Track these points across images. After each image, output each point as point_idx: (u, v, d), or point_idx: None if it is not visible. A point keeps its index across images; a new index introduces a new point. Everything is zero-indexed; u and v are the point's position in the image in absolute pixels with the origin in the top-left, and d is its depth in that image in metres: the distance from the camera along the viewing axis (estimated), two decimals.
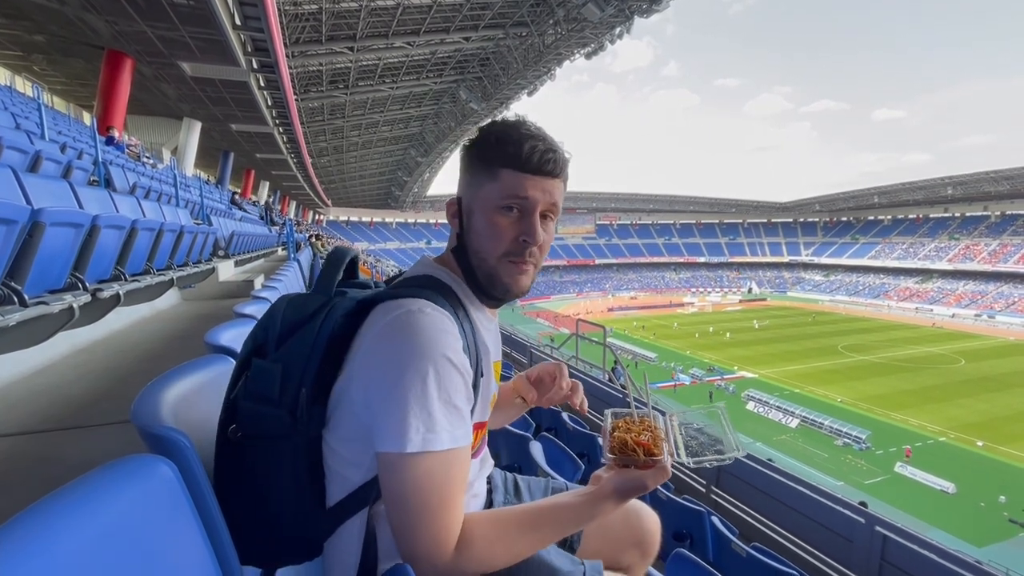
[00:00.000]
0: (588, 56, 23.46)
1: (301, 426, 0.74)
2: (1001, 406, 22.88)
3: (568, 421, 3.45)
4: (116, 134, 9.69)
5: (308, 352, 0.75)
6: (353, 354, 0.75)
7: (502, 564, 0.76)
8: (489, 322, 0.92)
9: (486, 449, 1.00)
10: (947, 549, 2.48)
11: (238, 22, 10.85)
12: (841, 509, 2.81)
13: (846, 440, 19.78)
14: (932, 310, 48.40)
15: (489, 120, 0.88)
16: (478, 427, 0.87)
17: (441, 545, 0.70)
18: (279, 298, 0.85)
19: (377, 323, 0.74)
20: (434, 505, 0.69)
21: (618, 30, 21.44)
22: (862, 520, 2.68)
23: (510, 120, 0.85)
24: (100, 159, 5.22)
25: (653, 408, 0.91)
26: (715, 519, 2.39)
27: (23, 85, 14.78)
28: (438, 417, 0.69)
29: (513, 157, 0.81)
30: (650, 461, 0.78)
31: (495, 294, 0.88)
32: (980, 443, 19.27)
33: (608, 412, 0.92)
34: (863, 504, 3.00)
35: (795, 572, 1.98)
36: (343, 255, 0.90)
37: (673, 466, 0.80)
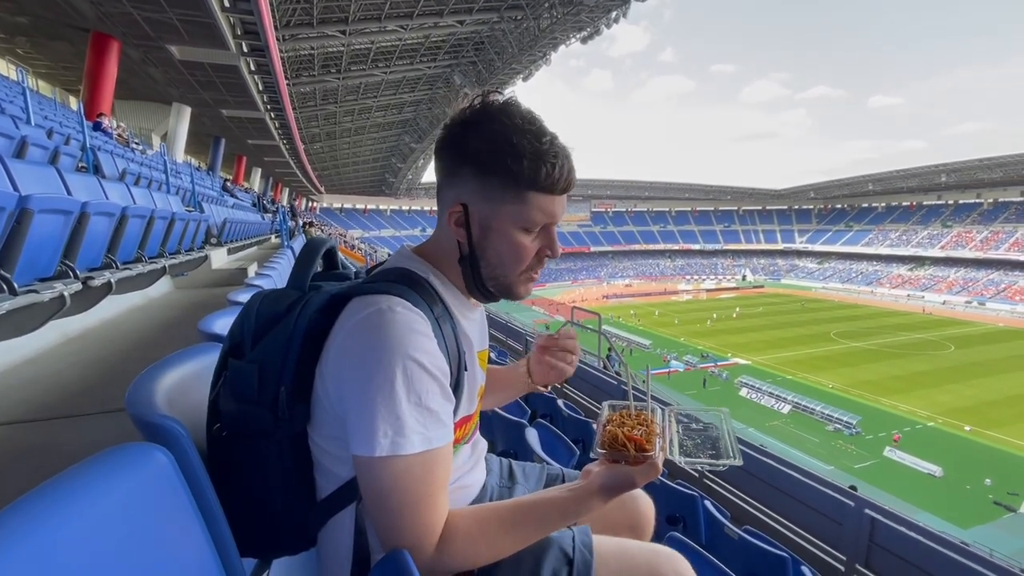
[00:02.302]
0: (584, 40, 23.24)
1: (284, 424, 0.73)
2: (989, 391, 23.25)
3: (563, 407, 3.47)
4: (105, 121, 9.50)
5: (284, 350, 0.74)
6: (326, 351, 0.73)
7: (485, 561, 0.75)
8: (472, 312, 0.91)
9: (478, 436, 0.99)
10: (934, 531, 2.53)
11: (227, 4, 10.62)
12: (831, 493, 2.86)
13: (837, 425, 20.08)
14: (924, 297, 48.86)
15: (487, 106, 0.78)
16: (464, 421, 0.87)
17: (422, 542, 0.69)
18: (254, 294, 0.83)
19: (348, 321, 0.72)
20: (411, 504, 0.69)
21: (614, 14, 21.23)
22: (851, 503, 2.73)
23: (526, 122, 0.77)
24: (88, 145, 5.13)
25: (653, 399, 0.88)
26: (708, 503, 2.42)
27: (7, 68, 14.46)
28: (407, 420, 0.68)
29: (545, 180, 0.77)
30: (640, 457, 0.76)
31: (499, 298, 0.87)
32: (967, 428, 19.61)
33: (606, 404, 0.90)
34: (853, 488, 3.05)
35: (786, 554, 2.02)
36: (317, 247, 0.88)
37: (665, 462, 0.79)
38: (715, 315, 41.70)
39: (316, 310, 0.76)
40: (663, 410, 0.89)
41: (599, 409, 0.91)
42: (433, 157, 0.85)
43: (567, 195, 0.82)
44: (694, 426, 0.89)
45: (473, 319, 0.91)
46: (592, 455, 0.80)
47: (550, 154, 0.76)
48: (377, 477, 0.68)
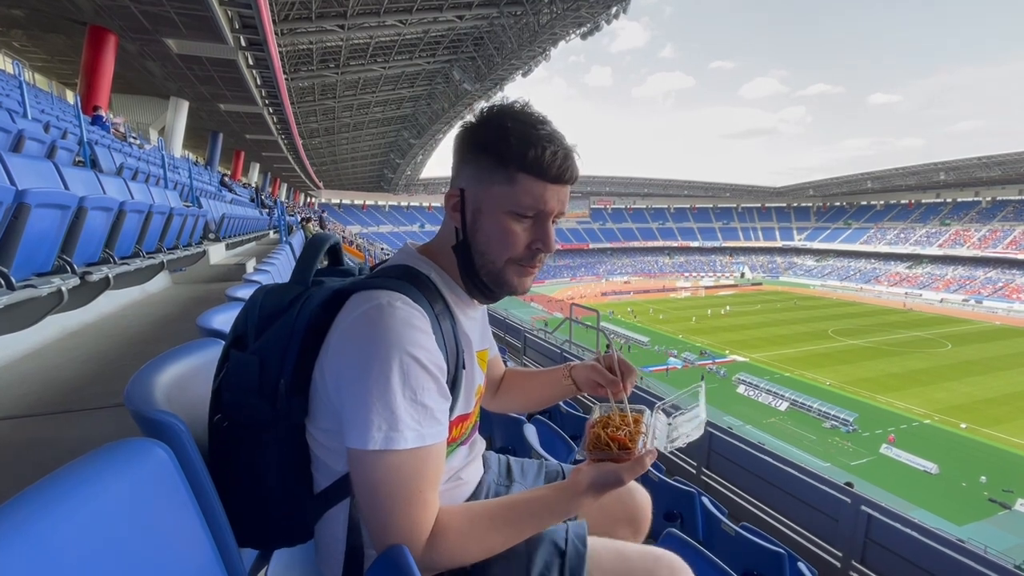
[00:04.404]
0: (584, 36, 23.15)
1: (282, 416, 0.74)
2: (985, 389, 23.36)
3: (561, 403, 3.48)
4: (103, 114, 9.45)
5: (285, 343, 0.74)
6: (326, 345, 0.74)
7: (475, 558, 0.76)
8: (474, 311, 0.91)
9: (476, 436, 1.00)
10: (929, 527, 2.55)
11: None
12: (828, 489, 2.87)
13: (834, 423, 20.16)
14: (921, 295, 48.99)
15: (495, 104, 0.81)
16: (461, 419, 0.87)
17: (411, 539, 0.69)
18: (257, 288, 0.83)
19: (348, 316, 0.73)
20: (402, 500, 0.69)
21: (614, 9, 21.14)
22: (848, 500, 2.74)
23: (524, 114, 0.79)
24: (85, 139, 5.11)
25: (632, 406, 0.90)
26: (705, 499, 2.43)
27: (3, 62, 14.36)
28: (401, 415, 0.68)
29: (534, 163, 0.76)
30: (623, 455, 0.77)
31: (496, 293, 0.86)
32: (963, 425, 19.71)
33: (596, 407, 0.91)
34: (849, 484, 3.06)
35: (782, 550, 2.03)
36: (321, 242, 0.88)
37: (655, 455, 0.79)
38: (709, 311, 41.84)
39: (318, 305, 0.76)
40: (651, 410, 0.90)
41: (594, 404, 0.92)
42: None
43: (566, 189, 0.81)
44: (681, 414, 0.90)
45: (474, 318, 0.91)
46: (577, 456, 0.81)
47: (542, 139, 0.77)
48: (369, 471, 0.68)
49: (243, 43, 12.58)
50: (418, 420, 0.70)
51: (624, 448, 0.78)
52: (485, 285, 0.85)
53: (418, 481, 0.70)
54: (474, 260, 0.83)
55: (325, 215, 25.07)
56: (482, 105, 0.83)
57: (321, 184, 51.01)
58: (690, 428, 0.85)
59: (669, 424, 0.88)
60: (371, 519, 0.71)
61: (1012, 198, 53.65)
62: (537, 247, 0.82)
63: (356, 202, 62.17)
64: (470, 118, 0.83)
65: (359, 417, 0.68)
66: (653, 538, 1.86)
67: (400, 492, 0.69)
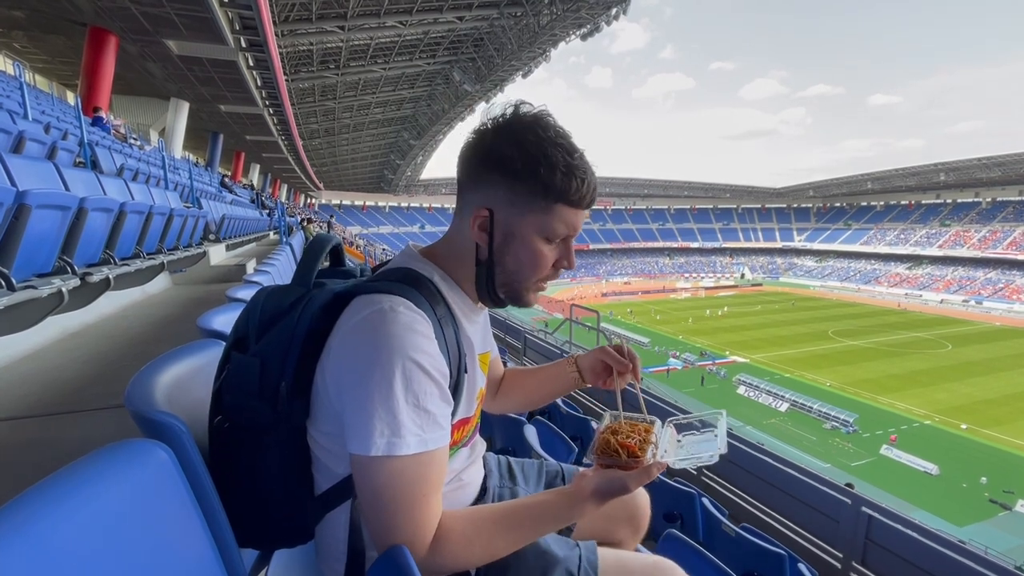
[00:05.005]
0: (584, 37, 23.15)
1: (283, 418, 0.74)
2: (985, 390, 23.35)
3: (561, 404, 3.48)
4: (103, 115, 9.46)
5: (286, 346, 0.74)
6: (328, 349, 0.73)
7: (479, 562, 0.76)
8: (476, 314, 0.91)
9: (477, 438, 1.00)
10: (929, 528, 2.54)
11: None
12: (828, 490, 2.87)
13: (834, 424, 20.15)
14: (921, 296, 48.99)
15: (519, 118, 0.78)
16: (463, 423, 0.87)
17: (415, 542, 0.70)
18: (259, 290, 0.83)
19: (349, 320, 0.73)
20: (405, 504, 0.69)
21: (614, 11, 21.14)
22: (848, 501, 2.74)
23: (561, 137, 0.77)
24: (86, 140, 5.11)
25: (645, 417, 0.90)
26: (705, 500, 2.43)
27: (4, 63, 14.38)
28: (404, 420, 0.68)
29: (575, 195, 0.78)
30: (631, 463, 0.77)
31: (508, 303, 0.87)
32: (964, 426, 19.70)
33: (607, 414, 0.91)
34: (850, 485, 3.06)
35: (782, 551, 2.03)
36: (323, 244, 0.88)
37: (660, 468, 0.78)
38: (708, 312, 41.88)
39: (319, 308, 0.76)
40: (661, 420, 0.90)
41: (600, 409, 0.92)
42: (458, 160, 0.84)
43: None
44: (693, 431, 0.90)
45: (476, 321, 0.91)
46: (585, 460, 0.81)
47: (581, 169, 0.78)
48: (372, 476, 0.68)
49: (243, 44, 12.59)
50: (421, 426, 0.70)
51: (633, 456, 0.78)
52: (498, 297, 0.86)
53: (421, 486, 0.70)
54: (496, 277, 0.83)
55: (333, 219, 24.86)
56: (498, 113, 0.80)
57: (321, 185, 51.03)
58: (700, 450, 0.84)
59: (679, 441, 0.88)
60: (374, 523, 0.71)
61: (1012, 199, 53.64)
62: (563, 265, 0.85)
63: (356, 203, 62.13)
64: (486, 125, 0.80)
65: (361, 423, 0.68)
66: (653, 539, 1.86)
67: (403, 497, 0.69)
